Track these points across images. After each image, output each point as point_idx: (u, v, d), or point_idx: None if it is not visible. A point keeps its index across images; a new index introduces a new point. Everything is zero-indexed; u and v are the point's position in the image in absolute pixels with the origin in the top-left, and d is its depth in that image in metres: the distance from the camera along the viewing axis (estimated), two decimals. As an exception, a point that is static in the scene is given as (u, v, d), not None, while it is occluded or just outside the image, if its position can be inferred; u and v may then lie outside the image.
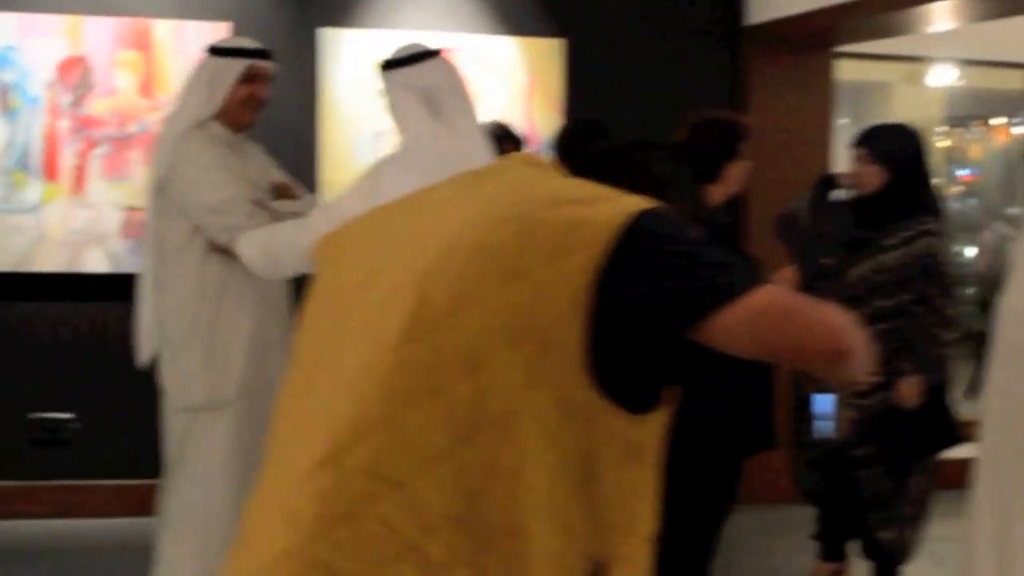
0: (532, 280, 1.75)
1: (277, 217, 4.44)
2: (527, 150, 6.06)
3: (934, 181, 5.20)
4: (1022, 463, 4.02)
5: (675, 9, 7.28)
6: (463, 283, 1.76)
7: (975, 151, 10.38)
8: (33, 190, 6.47)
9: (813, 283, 4.87)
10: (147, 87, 6.58)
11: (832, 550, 5.30)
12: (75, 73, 6.53)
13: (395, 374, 1.75)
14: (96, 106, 6.54)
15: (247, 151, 4.67)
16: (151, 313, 4.52)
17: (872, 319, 4.65)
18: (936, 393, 4.96)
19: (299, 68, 6.66)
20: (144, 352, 4.54)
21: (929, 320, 4.92)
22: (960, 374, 6.27)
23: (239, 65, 4.50)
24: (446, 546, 1.70)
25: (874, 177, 5.00)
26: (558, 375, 1.76)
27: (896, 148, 5.03)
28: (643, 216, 1.79)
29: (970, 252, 9.75)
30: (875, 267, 4.98)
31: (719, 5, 7.35)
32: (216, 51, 4.59)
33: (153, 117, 6.46)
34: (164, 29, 6.60)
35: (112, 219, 6.53)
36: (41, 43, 6.49)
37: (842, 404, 4.87)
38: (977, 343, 6.72)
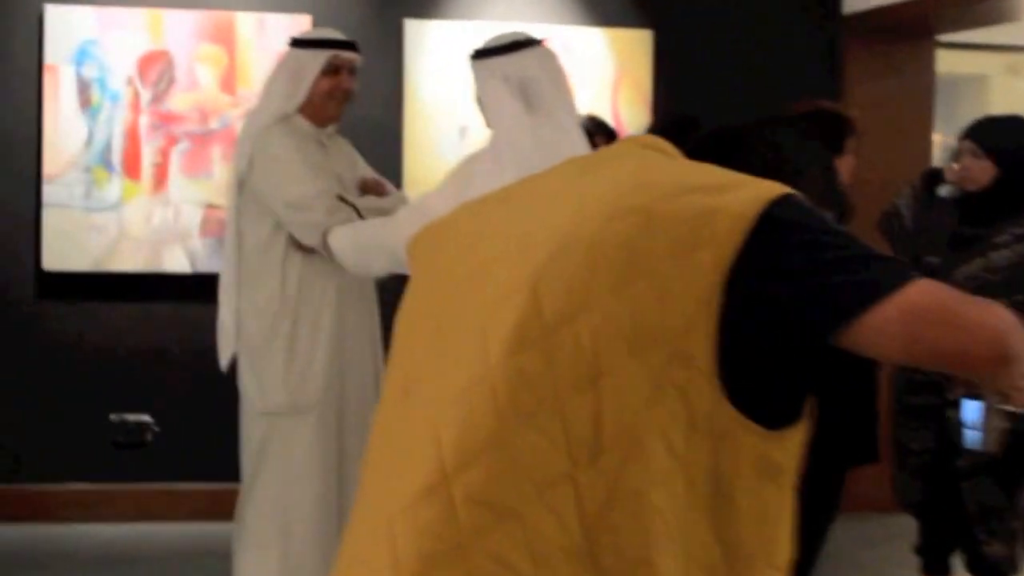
0: (655, 281, 1.57)
1: (360, 214, 4.31)
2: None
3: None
4: None
5: (768, -4, 7.07)
6: (578, 285, 1.59)
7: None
8: (113, 188, 6.39)
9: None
10: (228, 82, 6.47)
11: (935, 564, 5.07)
12: (156, 68, 6.45)
13: (505, 388, 1.57)
14: (177, 101, 6.45)
15: (334, 146, 4.56)
16: (231, 314, 4.41)
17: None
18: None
19: (383, 61, 6.54)
20: (224, 355, 4.44)
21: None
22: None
23: (322, 56, 4.39)
24: None
25: (983, 172, 4.76)
26: (686, 387, 1.57)
27: (1008, 141, 4.78)
28: (779, 204, 1.59)
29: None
30: (984, 266, 4.74)
31: (814, -8, 7.13)
32: (299, 43, 4.51)
33: (234, 113, 6.36)
34: (246, 22, 6.50)
35: (192, 217, 6.44)
36: (122, 37, 6.42)
37: (991, 413, 4.60)
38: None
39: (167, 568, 5.83)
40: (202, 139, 6.45)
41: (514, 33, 3.94)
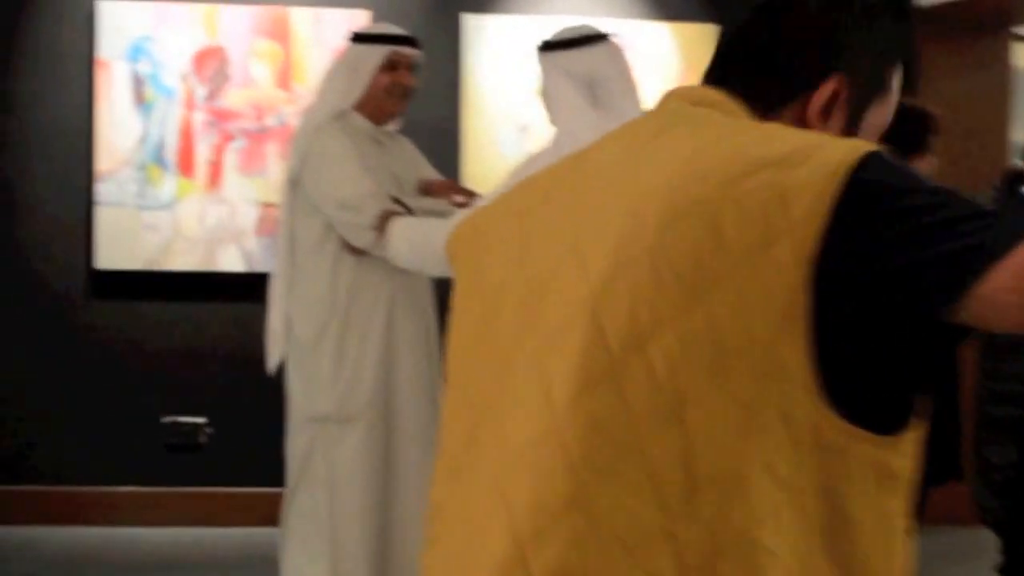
0: (730, 288, 1.35)
1: (413, 215, 4.17)
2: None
3: None
4: None
5: (838, -10, 6.85)
6: (643, 306, 1.36)
7: None
8: (167, 186, 6.28)
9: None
10: (284, 78, 6.35)
11: (1018, 582, 4.86)
12: (211, 64, 6.33)
13: (577, 441, 1.36)
14: (232, 98, 6.33)
15: (393, 144, 4.44)
16: (281, 316, 4.31)
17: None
18: None
19: (441, 57, 6.40)
20: (273, 357, 4.34)
21: None
22: None
23: (381, 52, 4.28)
24: None
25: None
26: (784, 406, 1.35)
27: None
28: (861, 168, 1.34)
29: None
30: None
31: (886, -15, 6.89)
32: (358, 38, 4.37)
33: (290, 110, 6.24)
34: (302, 18, 6.37)
35: (248, 216, 6.32)
36: (177, 33, 6.31)
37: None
38: None
39: (218, 575, 5.71)
40: (257, 136, 6.33)
41: (583, 27, 3.79)
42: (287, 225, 4.30)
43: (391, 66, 4.27)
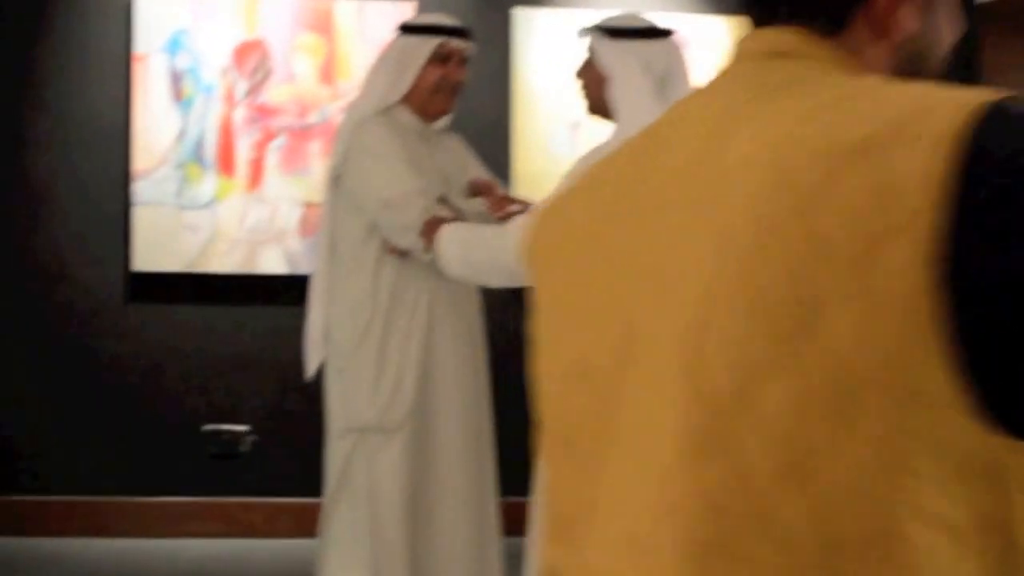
0: (842, 311, 1.10)
1: (462, 217, 3.97)
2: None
3: None
4: None
5: (900, -17, 6.64)
6: (741, 351, 1.13)
7: None
8: (207, 185, 6.07)
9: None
10: (328, 73, 6.13)
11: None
12: (251, 59, 6.12)
13: (694, 519, 1.15)
14: (273, 94, 6.11)
15: (442, 142, 4.23)
16: (321, 319, 4.16)
17: None
18: None
19: (490, 52, 6.20)
20: (311, 364, 4.16)
21: None
22: None
23: (431, 44, 4.08)
24: None
25: None
26: (930, 434, 1.11)
27: None
28: (983, 130, 1.07)
29: None
30: None
31: (948, -22, 6.69)
32: (406, 29, 4.16)
33: (333, 106, 6.02)
34: (346, 10, 6.15)
35: (290, 216, 6.10)
36: (216, 27, 6.09)
37: None
38: None
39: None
40: (300, 134, 6.11)
41: (645, 18, 3.57)
42: (328, 225, 4.14)
43: (441, 59, 4.08)
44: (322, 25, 6.14)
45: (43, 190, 6.15)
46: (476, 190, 4.22)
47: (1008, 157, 1.06)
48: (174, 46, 6.08)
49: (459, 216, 3.99)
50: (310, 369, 4.16)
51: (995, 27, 6.70)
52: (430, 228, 3.79)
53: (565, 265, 1.33)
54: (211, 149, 6.08)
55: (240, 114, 6.11)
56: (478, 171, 4.32)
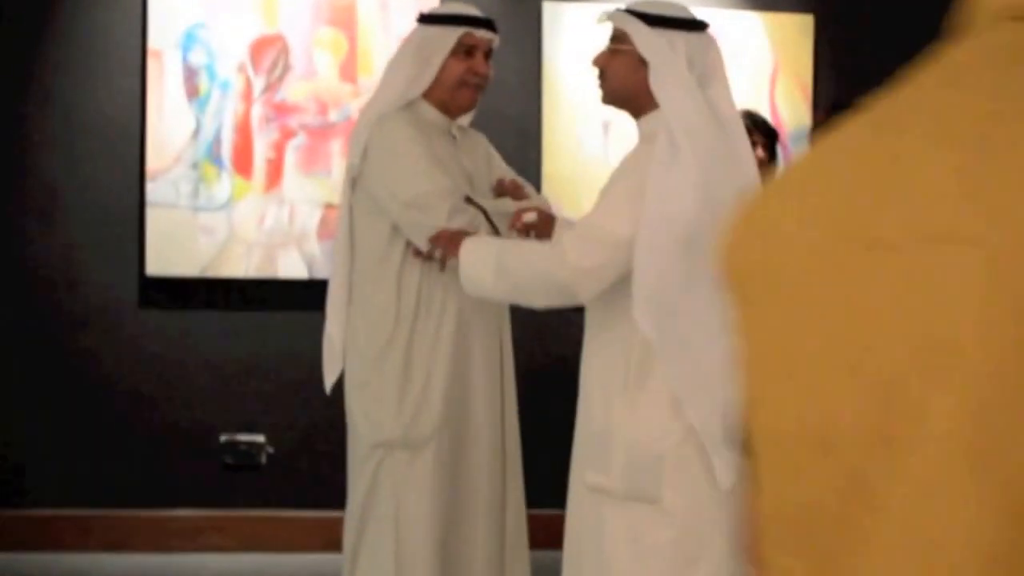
0: None
1: (490, 218, 3.75)
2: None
3: None
4: None
5: (941, -23, 6.43)
6: (997, 452, 0.88)
7: None
8: (223, 186, 5.84)
9: None
10: (349, 69, 5.91)
11: None
12: (269, 54, 5.90)
13: None
14: (292, 91, 5.89)
15: (465, 140, 4.02)
16: (340, 329, 3.91)
17: None
18: None
19: (519, 49, 6.00)
20: (330, 375, 3.96)
21: None
22: None
23: (454, 35, 3.84)
24: None
25: None
26: None
27: None
28: None
29: None
30: None
31: (993, -27, 6.47)
32: (427, 19, 3.93)
33: (355, 103, 5.81)
34: (368, 4, 5.96)
35: (309, 218, 5.89)
36: (232, 21, 5.87)
37: None
38: None
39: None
40: (320, 132, 5.89)
41: (684, 7, 3.36)
42: (346, 228, 3.90)
43: (465, 51, 3.85)
44: (344, 19, 5.92)
45: (51, 191, 5.90)
46: (502, 190, 4.00)
47: None
48: (189, 41, 5.85)
49: (487, 217, 3.77)
50: (329, 381, 3.96)
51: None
52: (449, 241, 3.54)
53: (785, 293, 1.06)
54: (227, 148, 5.85)
55: (257, 112, 5.87)
56: (504, 170, 4.11)
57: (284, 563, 5.89)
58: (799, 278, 1.04)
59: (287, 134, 5.89)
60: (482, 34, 3.88)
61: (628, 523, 3.15)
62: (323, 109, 5.91)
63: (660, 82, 3.22)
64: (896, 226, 0.98)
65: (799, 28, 6.21)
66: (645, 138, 3.29)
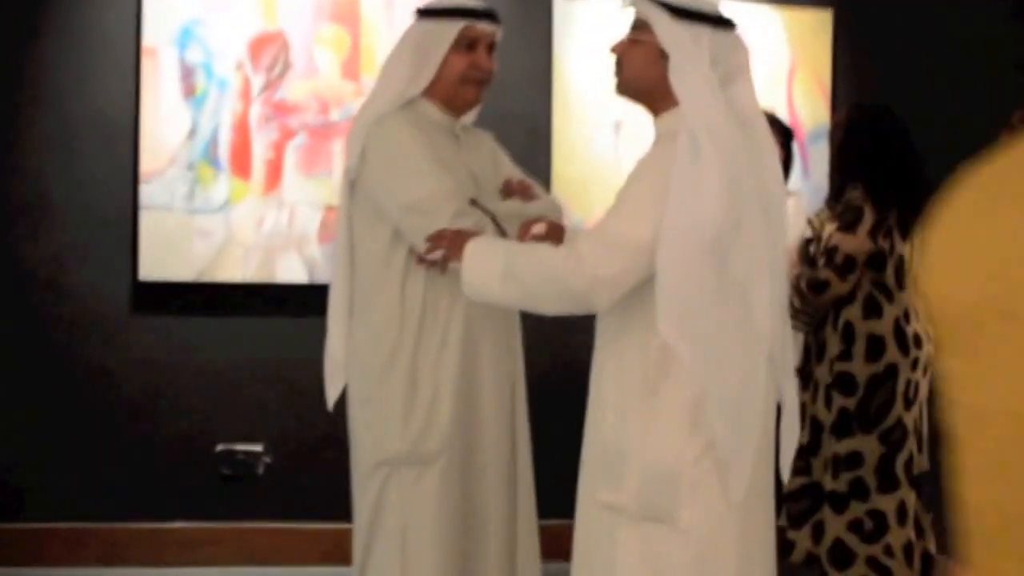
0: None
1: (497, 223, 3.63)
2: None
3: None
4: None
5: (967, -30, 6.27)
6: None
7: None
8: (220, 187, 5.67)
9: None
10: (351, 67, 5.76)
11: None
12: (269, 52, 5.75)
13: None
14: (293, 90, 5.74)
15: (469, 139, 3.88)
16: (341, 339, 3.77)
17: None
18: None
19: (528, 46, 5.86)
20: (333, 388, 3.82)
21: None
22: None
23: (455, 27, 3.71)
24: None
25: None
26: None
27: None
28: None
29: None
30: None
31: (1021, -34, 6.31)
32: (425, 13, 3.79)
33: (357, 103, 5.62)
34: (372, 0, 5.75)
35: (310, 221, 5.73)
36: (230, 17, 5.72)
37: None
38: None
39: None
40: (321, 132, 5.73)
41: (714, 2, 3.17)
42: (345, 234, 3.75)
43: (467, 45, 3.71)
44: (346, 16, 5.76)
45: (43, 193, 5.74)
46: (510, 191, 3.83)
47: None
48: (185, 38, 5.69)
49: (494, 220, 3.59)
50: (331, 396, 3.81)
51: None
52: (451, 242, 3.35)
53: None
54: (225, 149, 5.70)
55: (256, 111, 5.72)
56: (511, 170, 3.95)
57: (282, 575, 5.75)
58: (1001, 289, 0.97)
59: (287, 134, 5.73)
60: (484, 26, 3.74)
61: (642, 543, 3.01)
62: (324, 108, 5.75)
63: (680, 77, 3.04)
64: None
65: (817, 24, 6.05)
66: (663, 137, 3.10)
